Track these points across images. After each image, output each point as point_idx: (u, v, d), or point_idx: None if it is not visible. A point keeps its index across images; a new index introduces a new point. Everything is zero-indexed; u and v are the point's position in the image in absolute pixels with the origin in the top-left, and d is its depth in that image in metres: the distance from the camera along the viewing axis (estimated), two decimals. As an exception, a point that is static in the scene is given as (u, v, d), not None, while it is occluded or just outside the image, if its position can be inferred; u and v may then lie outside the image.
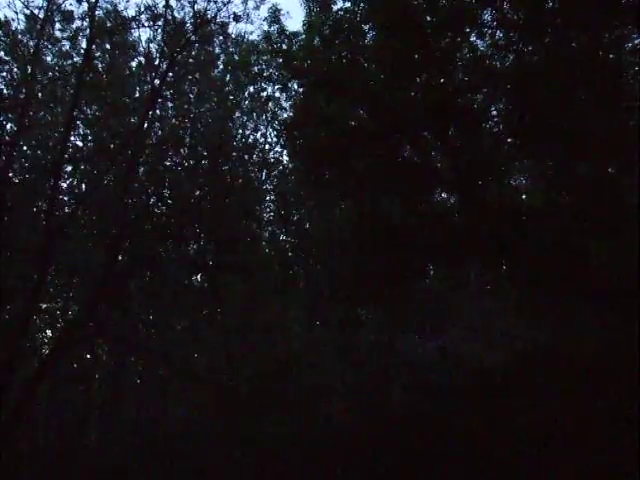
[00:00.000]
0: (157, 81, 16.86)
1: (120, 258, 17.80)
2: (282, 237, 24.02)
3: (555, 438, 12.99)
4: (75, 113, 16.48)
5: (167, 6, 16.92)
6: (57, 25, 17.59)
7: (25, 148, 18.28)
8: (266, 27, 15.46)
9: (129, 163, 16.81)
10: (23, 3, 15.73)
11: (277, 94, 21.80)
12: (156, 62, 17.32)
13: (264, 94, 22.35)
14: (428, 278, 17.69)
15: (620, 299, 11.57)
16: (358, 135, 13.42)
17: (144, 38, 36.29)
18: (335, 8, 13.84)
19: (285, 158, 22.96)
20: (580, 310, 13.64)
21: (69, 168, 18.57)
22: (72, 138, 17.98)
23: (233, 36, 20.91)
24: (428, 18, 12.56)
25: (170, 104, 20.88)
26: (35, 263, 15.03)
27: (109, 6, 17.25)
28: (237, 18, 17.83)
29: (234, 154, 21.16)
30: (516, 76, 11.95)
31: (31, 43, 16.99)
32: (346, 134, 13.34)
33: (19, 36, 17.11)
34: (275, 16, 15.96)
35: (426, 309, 18.27)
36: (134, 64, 19.51)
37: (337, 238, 16.61)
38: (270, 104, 22.67)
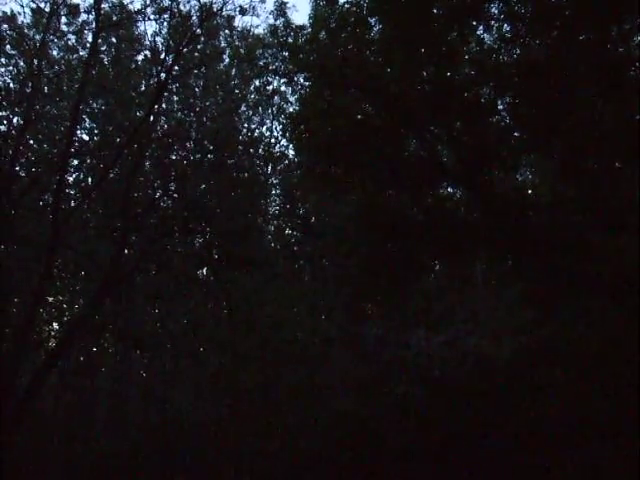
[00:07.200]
0: (163, 74, 16.82)
1: (126, 252, 17.84)
2: (287, 231, 24.06)
3: (559, 432, 13.00)
4: (81, 107, 16.50)
5: (173, -1, 16.89)
6: (63, 19, 17.63)
7: (32, 142, 18.33)
8: (272, 20, 15.53)
9: (135, 157, 16.83)
10: (29, -3, 15.77)
11: (283, 88, 21.84)
12: (162, 55, 17.28)
13: (270, 88, 22.35)
14: (434, 272, 17.68)
15: (625, 293, 11.55)
16: (364, 129, 13.38)
17: (150, 31, 36.39)
18: (341, 1, 13.80)
19: (291, 152, 22.98)
20: (585, 304, 13.61)
21: (75, 162, 18.63)
22: (78, 132, 18.06)
23: (239, 29, 20.94)
24: (435, 11, 12.50)
25: (176, 97, 20.90)
26: (41, 257, 15.09)
27: (115, -1, 17.27)
28: (243, 11, 17.84)
29: (240, 148, 21.16)
30: (523, 70, 11.89)
31: (37, 37, 17.02)
32: (352, 128, 13.30)
33: (25, 30, 17.15)
34: (281, 9, 16.03)
35: (432, 303, 18.25)
36: (140, 58, 19.57)
37: (343, 233, 16.61)
38: (276, 98, 22.67)
